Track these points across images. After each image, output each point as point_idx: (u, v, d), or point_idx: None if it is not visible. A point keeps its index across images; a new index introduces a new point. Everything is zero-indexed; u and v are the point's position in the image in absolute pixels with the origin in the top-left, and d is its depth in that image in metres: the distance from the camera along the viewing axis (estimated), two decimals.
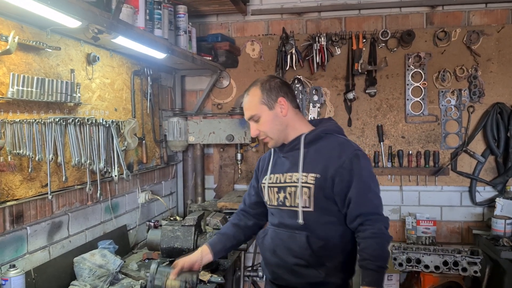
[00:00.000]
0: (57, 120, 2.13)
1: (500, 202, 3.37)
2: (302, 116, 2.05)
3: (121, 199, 2.92)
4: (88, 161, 2.38)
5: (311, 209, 1.88)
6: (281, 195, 1.98)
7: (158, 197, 3.32)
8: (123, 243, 2.89)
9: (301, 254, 1.90)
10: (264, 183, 2.08)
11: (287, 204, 1.95)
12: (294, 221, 1.91)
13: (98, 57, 2.50)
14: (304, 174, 1.90)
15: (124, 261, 2.70)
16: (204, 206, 3.44)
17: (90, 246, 2.50)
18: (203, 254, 2.08)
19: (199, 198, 3.66)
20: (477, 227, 3.59)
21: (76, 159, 2.29)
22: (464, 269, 3.14)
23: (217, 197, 3.90)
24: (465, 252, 3.18)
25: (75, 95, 2.29)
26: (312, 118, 3.69)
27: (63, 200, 2.32)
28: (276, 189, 2.00)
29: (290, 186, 1.94)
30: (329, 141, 1.94)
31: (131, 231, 3.05)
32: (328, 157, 1.88)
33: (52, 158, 2.12)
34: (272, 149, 2.11)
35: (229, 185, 3.91)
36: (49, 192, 2.11)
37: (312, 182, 1.87)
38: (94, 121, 2.42)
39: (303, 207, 1.89)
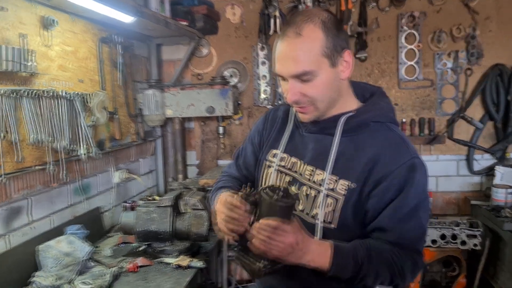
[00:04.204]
0: (6, 92, 1.86)
1: (499, 170, 3.17)
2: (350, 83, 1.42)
3: (92, 179, 2.67)
4: (49, 139, 2.12)
5: (333, 225, 1.33)
6: (294, 190, 1.42)
7: (134, 176, 3.07)
8: (96, 226, 2.66)
9: (308, 281, 1.37)
10: (270, 161, 1.51)
11: (300, 208, 1.40)
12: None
13: (55, 21, 2.20)
14: (333, 177, 1.33)
15: (98, 246, 2.49)
16: (185, 184, 3.21)
17: (57, 232, 2.25)
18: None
19: (180, 176, 3.42)
20: (475, 197, 3.41)
21: (33, 136, 2.03)
22: (463, 243, 2.97)
23: (200, 174, 3.67)
24: (464, 224, 3.01)
25: (28, 63, 2.00)
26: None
27: (22, 183, 2.06)
28: (288, 178, 1.45)
29: (309, 187, 1.39)
30: (378, 134, 1.35)
31: (106, 213, 2.81)
32: (372, 159, 1.30)
33: (4, 136, 1.86)
34: (294, 112, 1.48)
35: (212, 161, 3.67)
36: (2, 174, 1.86)
37: (342, 192, 1.31)
38: (53, 94, 2.15)
39: (323, 221, 1.34)
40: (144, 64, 3.46)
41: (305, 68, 1.26)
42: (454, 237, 2.99)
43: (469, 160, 3.41)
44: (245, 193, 1.29)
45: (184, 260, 2.19)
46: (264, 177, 1.53)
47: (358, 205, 1.31)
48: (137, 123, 3.22)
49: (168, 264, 2.21)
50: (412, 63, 3.39)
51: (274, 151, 1.51)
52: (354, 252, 1.26)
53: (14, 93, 1.92)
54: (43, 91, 2.08)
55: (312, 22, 1.26)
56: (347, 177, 1.32)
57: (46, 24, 2.18)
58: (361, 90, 1.46)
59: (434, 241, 3.03)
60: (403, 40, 3.37)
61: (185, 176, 3.56)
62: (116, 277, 2.06)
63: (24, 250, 2.03)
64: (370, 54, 3.43)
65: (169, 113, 3.20)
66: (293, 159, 1.45)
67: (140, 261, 2.21)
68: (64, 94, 2.22)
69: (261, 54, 3.53)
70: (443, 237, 3.01)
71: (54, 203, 2.31)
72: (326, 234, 1.34)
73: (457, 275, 3.18)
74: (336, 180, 1.33)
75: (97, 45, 2.69)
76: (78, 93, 2.33)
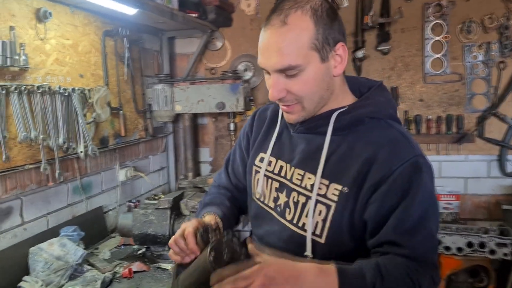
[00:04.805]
0: None
1: None
2: (342, 75, 1.25)
3: (94, 177, 2.57)
4: (41, 136, 2.03)
5: (321, 240, 1.18)
6: (283, 197, 1.27)
7: (141, 174, 2.97)
8: (98, 227, 2.57)
9: None
10: (257, 166, 1.38)
11: (288, 217, 1.25)
12: (296, 247, 1.20)
13: (50, 13, 2.10)
14: (324, 181, 1.18)
15: (97, 248, 2.40)
16: (194, 183, 3.08)
17: (54, 233, 2.16)
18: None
19: (190, 174, 3.29)
20: (507, 201, 3.12)
21: (23, 134, 1.94)
22: (492, 252, 2.72)
23: (213, 171, 3.53)
24: (494, 231, 2.76)
25: (17, 57, 1.91)
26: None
27: (12, 182, 1.97)
28: (277, 184, 1.30)
29: (298, 192, 1.24)
30: (375, 131, 1.18)
31: (109, 212, 2.72)
32: (368, 160, 1.13)
33: None
34: (281, 111, 1.32)
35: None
36: None
37: (334, 198, 1.16)
38: (47, 89, 2.06)
39: (312, 233, 1.19)
40: (155, 58, 3.34)
41: (291, 62, 1.11)
42: (482, 245, 2.75)
43: (501, 161, 3.13)
44: (203, 233, 1.15)
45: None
46: (254, 184, 1.39)
47: (353, 214, 1.14)
48: (145, 119, 3.11)
49: (165, 270, 2.09)
50: (439, 56, 3.13)
51: (262, 155, 1.36)
52: (361, 272, 1.04)
53: (1, 89, 1.82)
54: (35, 87, 1.99)
55: (301, 9, 1.11)
56: (339, 181, 1.16)
57: (41, 17, 2.08)
58: (357, 85, 1.29)
59: (460, 249, 2.79)
60: (429, 31, 3.12)
61: (197, 174, 3.44)
62: (108, 283, 1.96)
63: (14, 253, 1.94)
64: (393, 47, 3.19)
65: (178, 109, 3.08)
66: (281, 163, 1.31)
67: (136, 266, 2.09)
68: (59, 89, 2.13)
69: None
70: (470, 245, 2.78)
71: (50, 203, 2.22)
72: (315, 249, 1.18)
73: (485, 286, 2.93)
74: (327, 185, 1.17)
75: (100, 39, 2.58)
76: (75, 88, 2.23)
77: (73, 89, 2.23)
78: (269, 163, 1.33)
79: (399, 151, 1.12)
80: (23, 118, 1.95)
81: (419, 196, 1.09)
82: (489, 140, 3.12)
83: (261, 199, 1.37)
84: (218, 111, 3.02)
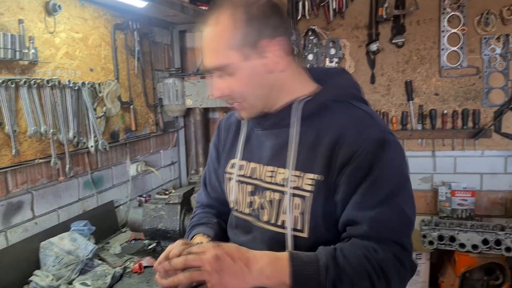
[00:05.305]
0: (0, 81, 1.76)
1: None
2: (299, 67, 1.21)
3: (105, 172, 2.56)
4: (51, 131, 2.02)
5: (304, 234, 1.13)
6: (257, 199, 1.22)
7: (151, 169, 2.95)
8: (109, 221, 2.56)
9: None
10: (229, 173, 1.32)
11: (264, 218, 1.20)
12: (280, 248, 1.11)
13: (59, 6, 2.08)
14: (297, 173, 1.13)
15: (108, 242, 2.40)
16: None
17: (64, 227, 2.16)
18: None
19: (201, 169, 3.27)
20: None
21: (33, 129, 1.93)
22: (508, 249, 2.66)
23: None
24: (510, 228, 2.69)
25: (26, 51, 1.90)
26: (312, 66, 3.18)
27: (22, 177, 1.97)
28: (250, 188, 1.25)
29: (272, 190, 1.19)
30: (339, 113, 1.14)
31: (121, 207, 2.71)
32: (334, 142, 1.10)
33: None
34: None
35: None
36: None
37: (309, 188, 1.11)
38: (57, 83, 2.04)
39: (293, 229, 1.14)
40: (166, 51, 3.32)
41: (218, 62, 1.13)
42: (498, 242, 2.69)
43: None
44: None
45: None
46: (228, 192, 1.35)
47: (328, 200, 1.10)
48: (156, 114, 3.09)
49: None
50: (455, 48, 3.06)
51: (232, 161, 1.32)
52: (315, 257, 1.01)
53: (11, 83, 1.81)
54: (45, 81, 1.97)
55: (226, 9, 1.11)
56: (312, 170, 1.12)
57: (50, 10, 2.07)
58: (320, 74, 1.25)
59: (475, 246, 2.74)
60: (445, 23, 3.04)
61: None
62: (118, 278, 1.95)
63: (24, 247, 1.94)
64: (408, 39, 3.12)
65: (189, 103, 3.05)
66: (253, 164, 1.26)
67: (146, 261, 2.08)
68: (69, 83, 2.12)
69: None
70: (485, 242, 2.72)
71: (61, 197, 2.21)
72: (298, 245, 1.13)
73: (500, 284, 2.87)
74: (301, 176, 1.13)
75: (111, 32, 2.56)
76: (84, 82, 2.22)
77: (83, 83, 2.22)
78: (240, 167, 1.29)
79: (363, 130, 1.09)
80: (33, 112, 1.94)
81: (385, 172, 1.05)
82: (506, 135, 3.04)
83: (236, 208, 1.32)
84: (229, 105, 2.98)
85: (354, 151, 1.06)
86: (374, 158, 1.05)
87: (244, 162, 1.28)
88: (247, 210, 1.27)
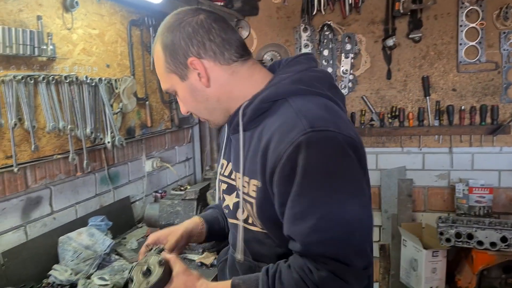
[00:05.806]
0: (18, 77, 1.77)
1: None
2: (251, 68, 1.16)
3: (122, 167, 2.58)
4: (69, 126, 2.03)
5: (265, 230, 1.15)
6: (227, 198, 1.25)
7: (167, 165, 2.96)
8: (126, 216, 2.58)
9: None
10: (216, 172, 1.40)
11: (238, 216, 1.20)
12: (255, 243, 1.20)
13: (77, 2, 2.09)
14: (246, 179, 1.11)
15: (125, 238, 2.41)
16: None
17: (82, 222, 2.18)
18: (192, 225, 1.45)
19: (216, 165, 3.27)
20: None
21: (51, 124, 1.94)
22: None
23: None
24: None
25: (45, 47, 1.91)
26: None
27: (41, 172, 1.99)
28: (224, 186, 1.26)
29: (236, 193, 1.20)
30: (275, 115, 1.07)
31: (136, 202, 2.73)
32: (265, 147, 1.03)
33: (15, 124, 1.77)
34: None
35: None
36: (14, 164, 1.78)
37: (253, 195, 1.09)
38: (74, 79, 2.05)
39: (254, 225, 1.17)
40: None
41: (165, 86, 1.22)
42: None
43: None
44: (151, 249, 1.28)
45: (208, 258, 2.04)
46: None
47: (272, 207, 1.05)
48: (171, 110, 3.10)
49: (192, 261, 2.08)
50: (473, 43, 3.02)
51: (221, 161, 1.32)
52: (256, 282, 1.03)
53: (29, 79, 1.83)
54: (63, 77, 1.99)
55: (157, 36, 1.16)
56: (255, 176, 1.07)
57: (68, 6, 2.08)
58: (281, 67, 1.20)
59: (493, 244, 2.70)
60: (463, 17, 3.01)
61: None
62: None
63: (43, 241, 1.96)
64: (425, 34, 3.10)
65: None
66: (230, 165, 1.24)
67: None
68: (86, 79, 2.13)
69: (304, 35, 3.29)
70: (504, 239, 2.68)
71: (78, 193, 2.23)
72: (261, 239, 1.17)
73: None
74: (248, 182, 1.11)
75: (127, 28, 2.57)
76: (101, 78, 2.23)
77: (100, 79, 2.23)
78: (222, 166, 1.30)
79: (286, 133, 0.99)
80: (51, 108, 1.95)
81: (307, 178, 0.95)
82: None
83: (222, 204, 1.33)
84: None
85: (277, 158, 0.98)
86: (293, 164, 0.96)
87: (224, 161, 1.29)
88: (225, 210, 1.30)
